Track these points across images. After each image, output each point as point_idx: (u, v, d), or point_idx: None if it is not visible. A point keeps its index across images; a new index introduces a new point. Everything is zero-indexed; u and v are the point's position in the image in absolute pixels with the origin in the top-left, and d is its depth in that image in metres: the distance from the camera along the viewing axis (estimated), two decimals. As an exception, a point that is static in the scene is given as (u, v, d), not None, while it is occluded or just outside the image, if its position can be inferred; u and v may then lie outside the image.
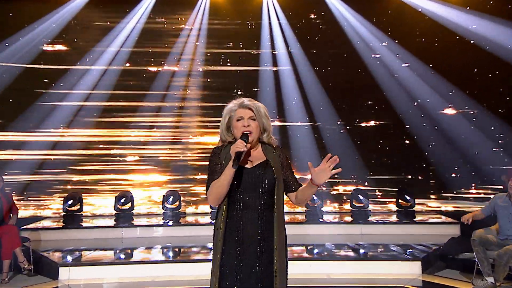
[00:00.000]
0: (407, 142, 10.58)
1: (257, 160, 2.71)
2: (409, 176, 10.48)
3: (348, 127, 10.64)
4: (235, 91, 9.78)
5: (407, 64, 10.34)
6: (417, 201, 9.72)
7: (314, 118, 10.56)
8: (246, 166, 2.66)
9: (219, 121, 2.76)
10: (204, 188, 2.68)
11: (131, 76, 10.43)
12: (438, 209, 10.19)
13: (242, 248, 2.55)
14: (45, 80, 10.15)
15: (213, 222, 2.68)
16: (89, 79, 10.28)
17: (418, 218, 9.29)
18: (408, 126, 10.47)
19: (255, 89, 10.42)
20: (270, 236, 2.57)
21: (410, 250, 6.99)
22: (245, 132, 2.66)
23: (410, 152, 10.56)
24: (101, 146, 10.27)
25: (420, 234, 8.35)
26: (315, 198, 9.27)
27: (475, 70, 10.22)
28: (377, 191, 10.36)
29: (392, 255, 6.73)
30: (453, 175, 10.21)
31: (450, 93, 10.15)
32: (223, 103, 2.78)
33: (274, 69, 10.56)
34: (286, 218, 8.85)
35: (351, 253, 6.98)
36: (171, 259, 6.75)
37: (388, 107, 10.40)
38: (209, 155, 2.73)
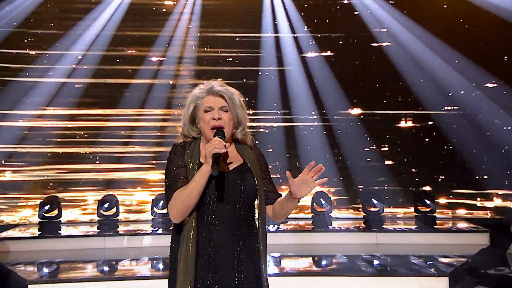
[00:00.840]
0: (430, 137, 10.07)
1: (232, 162, 2.40)
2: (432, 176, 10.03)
3: (362, 119, 10.16)
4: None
5: (430, 51, 9.77)
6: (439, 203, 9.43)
7: (323, 111, 10.12)
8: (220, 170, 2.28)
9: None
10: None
11: (113, 62, 10.00)
12: (463, 214, 9.83)
13: (217, 275, 2.28)
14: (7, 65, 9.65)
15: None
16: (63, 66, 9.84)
17: (440, 225, 8.89)
18: (431, 119, 10.02)
19: (252, 81, 10.03)
20: (251, 260, 2.31)
21: (431, 262, 6.60)
22: (217, 127, 2.35)
23: (433, 148, 10.02)
24: (78, 141, 9.87)
25: (443, 243, 7.88)
26: (323, 202, 8.92)
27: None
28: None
29: (414, 269, 6.25)
30: (485, 176, 9.69)
31: (481, 79, 9.55)
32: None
33: (277, 56, 10.18)
34: (291, 224, 8.54)
35: (366, 267, 6.51)
36: (161, 273, 6.35)
37: (409, 97, 9.95)
38: (168, 154, 2.41)
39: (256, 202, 2.41)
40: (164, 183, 2.39)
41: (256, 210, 2.38)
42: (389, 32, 10.01)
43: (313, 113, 10.10)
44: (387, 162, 10.05)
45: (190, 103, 2.45)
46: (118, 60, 9.96)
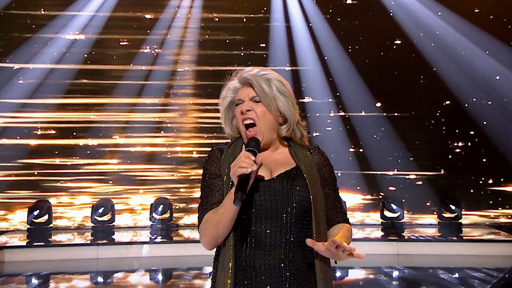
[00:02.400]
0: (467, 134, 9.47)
1: (279, 166, 1.98)
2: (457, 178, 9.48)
3: (386, 115, 9.57)
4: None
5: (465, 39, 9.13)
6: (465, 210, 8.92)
7: (343, 106, 9.58)
8: (261, 176, 1.93)
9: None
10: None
11: (107, 49, 9.59)
12: (492, 221, 9.38)
13: None
14: None
15: None
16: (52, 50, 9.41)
17: (467, 233, 8.56)
18: (467, 113, 9.32)
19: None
20: None
21: (457, 275, 6.47)
22: (247, 123, 1.96)
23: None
24: (69, 135, 9.43)
25: (470, 254, 7.56)
26: None
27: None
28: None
29: (443, 285, 5.99)
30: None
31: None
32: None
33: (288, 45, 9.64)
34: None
35: (388, 283, 6.26)
36: (160, 286, 6.41)
37: (440, 89, 9.31)
38: (204, 159, 2.04)
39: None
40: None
41: (313, 229, 1.89)
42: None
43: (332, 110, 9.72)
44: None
45: (223, 97, 2.06)
46: (118, 43, 9.61)
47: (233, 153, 1.98)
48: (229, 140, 2.09)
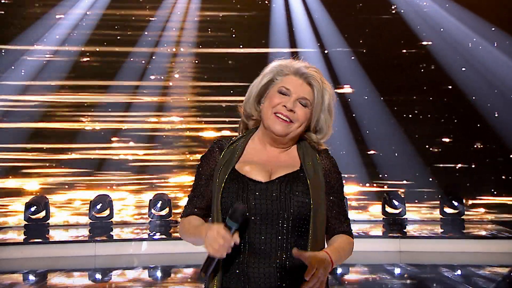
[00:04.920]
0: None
1: (280, 168, 1.84)
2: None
3: (394, 115, 9.41)
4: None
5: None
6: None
7: (348, 107, 9.40)
8: (258, 178, 1.81)
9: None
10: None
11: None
12: (495, 217, 9.30)
13: None
14: None
15: None
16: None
17: (470, 229, 8.52)
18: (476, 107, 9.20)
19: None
20: None
21: (461, 273, 6.37)
22: (283, 119, 1.83)
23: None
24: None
25: (474, 251, 7.47)
26: None
27: None
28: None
29: (447, 284, 5.89)
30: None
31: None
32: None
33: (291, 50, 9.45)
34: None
35: (390, 279, 6.23)
36: (159, 282, 6.35)
37: (449, 86, 9.24)
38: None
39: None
40: None
41: (310, 238, 1.78)
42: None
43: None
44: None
45: (267, 73, 1.90)
46: (116, 27, 9.47)
47: (233, 153, 1.87)
48: (237, 135, 1.98)
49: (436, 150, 9.50)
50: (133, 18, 9.43)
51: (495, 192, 9.28)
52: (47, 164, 9.15)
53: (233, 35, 9.50)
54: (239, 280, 1.77)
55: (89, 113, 9.31)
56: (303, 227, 1.79)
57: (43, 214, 8.17)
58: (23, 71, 9.10)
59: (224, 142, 1.92)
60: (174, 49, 9.48)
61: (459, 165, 9.44)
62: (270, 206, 1.77)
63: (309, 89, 1.85)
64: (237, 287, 1.78)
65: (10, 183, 9.17)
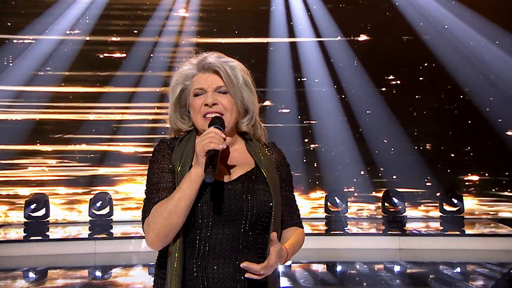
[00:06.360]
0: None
1: (237, 166, 1.82)
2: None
3: (395, 113, 9.39)
4: None
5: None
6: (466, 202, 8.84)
7: (348, 106, 9.42)
8: (218, 179, 1.74)
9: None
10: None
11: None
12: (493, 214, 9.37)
13: None
14: None
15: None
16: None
17: (469, 227, 8.48)
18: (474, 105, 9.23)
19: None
20: None
21: (460, 271, 6.41)
22: (215, 115, 1.76)
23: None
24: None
25: (473, 249, 7.46)
26: (338, 201, 8.53)
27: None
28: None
29: (446, 281, 5.83)
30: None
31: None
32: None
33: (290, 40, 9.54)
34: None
35: (390, 277, 6.15)
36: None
37: (449, 83, 9.29)
38: (151, 153, 1.83)
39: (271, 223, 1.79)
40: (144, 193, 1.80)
41: (268, 237, 1.76)
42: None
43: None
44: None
45: (176, 84, 1.84)
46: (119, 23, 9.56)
47: (186, 149, 1.80)
48: (171, 137, 1.90)
49: (436, 147, 9.51)
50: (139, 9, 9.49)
51: (493, 190, 9.36)
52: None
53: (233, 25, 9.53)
54: (197, 283, 1.73)
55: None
56: (262, 225, 1.77)
57: (43, 211, 8.16)
58: (30, 60, 9.14)
59: (170, 142, 1.85)
60: (175, 40, 9.49)
61: (459, 163, 9.48)
62: (234, 207, 1.74)
63: (217, 77, 1.79)
64: None
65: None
